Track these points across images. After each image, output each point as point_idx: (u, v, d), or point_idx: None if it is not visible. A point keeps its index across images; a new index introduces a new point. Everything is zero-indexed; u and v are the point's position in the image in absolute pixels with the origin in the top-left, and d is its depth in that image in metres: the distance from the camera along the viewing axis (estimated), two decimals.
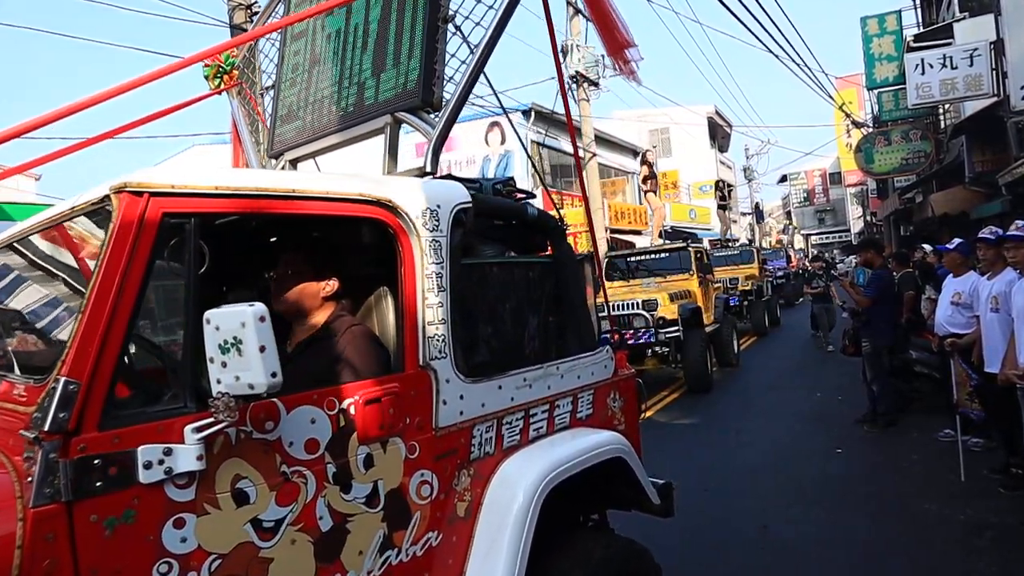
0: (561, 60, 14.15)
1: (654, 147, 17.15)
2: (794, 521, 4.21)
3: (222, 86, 3.17)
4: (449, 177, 2.26)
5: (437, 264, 1.91)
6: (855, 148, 17.65)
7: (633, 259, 10.39)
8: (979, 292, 4.75)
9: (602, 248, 12.48)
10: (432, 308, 1.88)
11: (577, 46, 14.11)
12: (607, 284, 10.00)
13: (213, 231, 1.77)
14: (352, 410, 1.67)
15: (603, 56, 14.82)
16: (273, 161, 3.04)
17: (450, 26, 2.43)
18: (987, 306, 4.48)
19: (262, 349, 1.31)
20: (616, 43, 3.02)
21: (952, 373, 4.91)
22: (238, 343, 1.31)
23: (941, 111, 15.45)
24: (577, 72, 14.15)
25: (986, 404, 4.60)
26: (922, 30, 15.75)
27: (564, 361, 2.34)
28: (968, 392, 4.74)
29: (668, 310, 8.34)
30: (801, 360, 10.83)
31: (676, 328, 8.23)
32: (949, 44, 11.86)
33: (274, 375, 1.32)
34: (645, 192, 14.15)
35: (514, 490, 1.91)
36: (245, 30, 6.14)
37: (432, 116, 2.40)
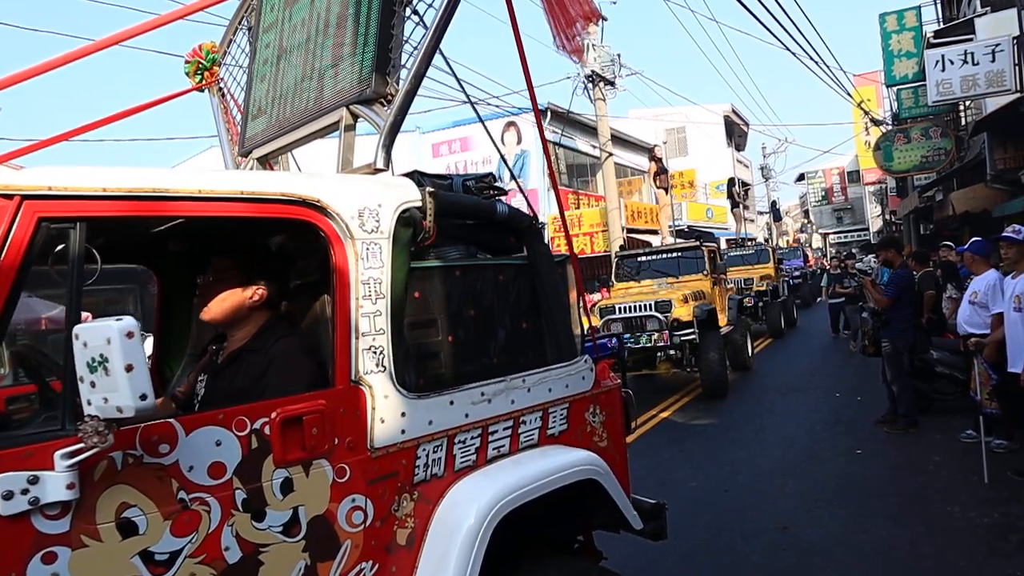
0: (576, 60, 14.16)
1: (664, 143, 17.02)
2: (815, 522, 4.17)
3: (202, 82, 3.04)
4: (415, 173, 2.12)
5: (376, 268, 1.75)
6: (874, 146, 17.42)
7: (644, 259, 10.06)
8: (1001, 291, 4.72)
9: (616, 248, 12.42)
10: (368, 317, 1.71)
11: (593, 45, 14.12)
12: (618, 285, 9.75)
13: (188, 232, 1.68)
14: (267, 431, 1.52)
15: (619, 55, 14.84)
16: (242, 160, 2.89)
17: (408, 10, 2.22)
18: (1010, 305, 4.45)
19: (129, 368, 1.16)
20: (568, 16, 2.67)
21: (976, 373, 4.87)
22: (105, 361, 1.17)
23: (962, 108, 15.19)
24: (593, 71, 14.16)
25: (1004, 404, 4.57)
26: (942, 26, 15.52)
27: (532, 373, 2.14)
28: (988, 392, 4.71)
29: (683, 311, 8.05)
30: (819, 362, 10.62)
31: (692, 330, 7.93)
32: (970, 40, 11.67)
33: (143, 398, 1.18)
34: (656, 189, 13.90)
35: (461, 517, 1.74)
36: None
37: (386, 109, 2.20)
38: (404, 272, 1.82)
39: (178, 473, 1.41)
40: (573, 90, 14.48)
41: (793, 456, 5.67)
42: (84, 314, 1.50)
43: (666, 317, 7.96)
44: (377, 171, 2.05)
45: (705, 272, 9.44)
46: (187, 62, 3.03)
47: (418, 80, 2.11)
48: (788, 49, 12.10)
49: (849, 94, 18.60)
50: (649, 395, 8.76)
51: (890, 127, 18.84)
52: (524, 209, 2.32)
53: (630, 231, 17.28)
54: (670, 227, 14.94)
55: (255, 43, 2.94)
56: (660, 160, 13.56)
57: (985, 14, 12.11)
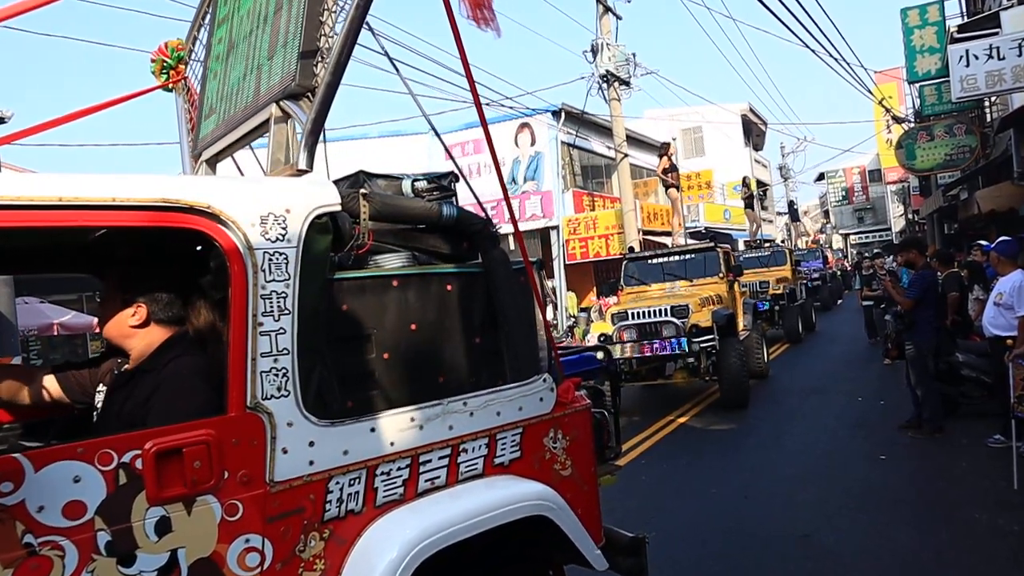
0: (591, 60, 14.07)
1: (673, 139, 16.80)
2: (838, 530, 4.08)
3: (168, 81, 2.88)
4: (359, 174, 1.96)
5: (280, 281, 1.57)
6: (896, 144, 17.10)
7: (656, 261, 9.55)
8: None
9: (626, 250, 12.24)
10: (269, 336, 1.54)
11: (607, 45, 14.04)
12: (628, 289, 9.33)
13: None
14: (138, 464, 1.35)
15: (634, 55, 14.75)
16: (195, 162, 2.73)
17: None
18: None
19: None
20: None
21: (1010, 376, 4.75)
22: None
23: (987, 104, 14.88)
24: (608, 71, 14.08)
25: None
26: (966, 20, 15.20)
27: (476, 395, 1.92)
28: (1019, 395, 4.58)
29: (701, 316, 7.64)
30: (840, 366, 10.33)
31: (711, 337, 7.50)
32: (996, 34, 11.40)
33: None
34: (667, 188, 13.60)
35: (374, 561, 1.55)
36: None
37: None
38: (319, 284, 1.63)
39: (24, 514, 1.25)
40: (587, 90, 14.42)
41: (814, 462, 5.56)
42: None
43: (683, 323, 7.55)
44: (300, 173, 1.85)
45: (721, 274, 9.02)
46: (152, 60, 2.90)
47: (338, 71, 1.86)
48: (807, 46, 11.89)
49: (870, 91, 18.29)
50: (663, 402, 8.63)
51: (913, 124, 18.50)
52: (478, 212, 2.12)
53: (646, 233, 17.12)
54: (686, 228, 14.76)
55: (210, 38, 2.80)
56: (672, 156, 13.28)
57: (1011, 7, 11.82)
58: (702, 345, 7.49)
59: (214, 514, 1.45)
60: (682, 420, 7.57)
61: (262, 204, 1.60)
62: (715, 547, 4.02)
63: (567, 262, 17.69)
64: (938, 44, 14.98)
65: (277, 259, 1.58)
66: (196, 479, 1.42)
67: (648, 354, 7.61)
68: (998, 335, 4.99)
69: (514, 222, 2.26)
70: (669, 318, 7.62)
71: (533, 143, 18.13)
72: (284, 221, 1.61)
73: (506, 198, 2.20)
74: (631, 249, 11.64)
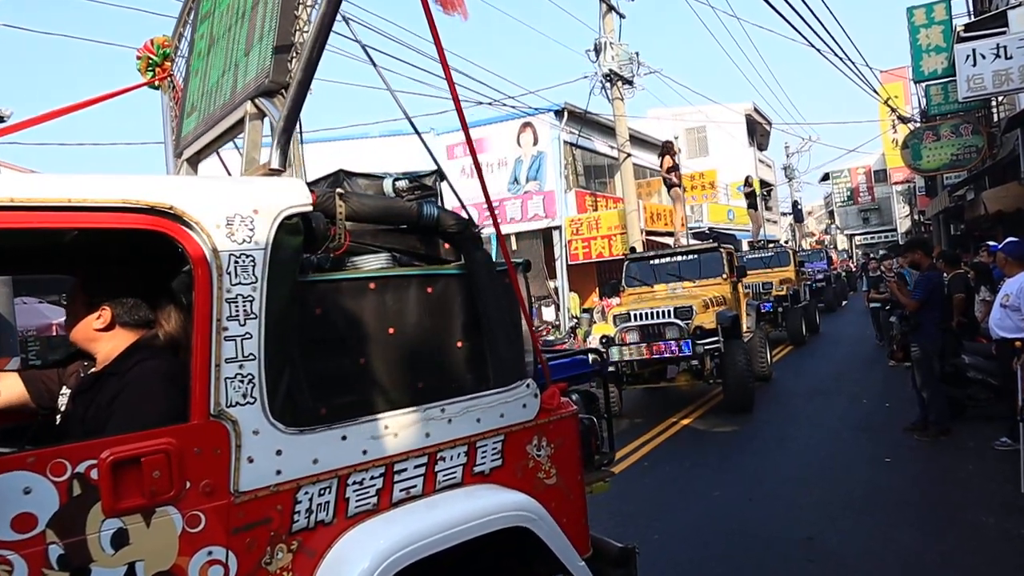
0: (594, 59, 14.01)
1: (676, 137, 16.70)
2: (841, 533, 4.05)
3: (154, 78, 2.84)
4: (339, 172, 1.91)
5: (247, 285, 1.52)
6: (901, 144, 17.00)
7: (658, 261, 9.39)
8: None
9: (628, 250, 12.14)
10: (234, 341, 1.49)
11: (610, 44, 14.00)
12: (629, 290, 9.22)
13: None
14: (93, 475, 1.30)
15: (637, 54, 14.69)
16: (177, 161, 2.68)
17: None
18: None
19: None
20: None
21: (1018, 379, 4.69)
22: None
23: (994, 104, 14.77)
24: (611, 70, 14.03)
25: None
26: (973, 19, 15.10)
27: (454, 402, 1.86)
28: None
29: (705, 318, 7.50)
30: (844, 368, 10.27)
31: (716, 339, 7.35)
32: (1003, 32, 11.32)
33: None
34: (669, 188, 13.48)
35: (344, 573, 1.51)
36: None
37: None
38: (289, 288, 1.58)
39: None
40: (590, 90, 14.38)
41: (818, 464, 5.53)
42: None
43: (687, 324, 7.40)
44: (273, 172, 1.80)
45: (724, 275, 8.91)
46: (138, 57, 2.86)
47: (310, 67, 1.79)
48: (812, 45, 11.84)
49: (875, 91, 18.20)
50: (666, 404, 8.57)
51: (919, 124, 18.40)
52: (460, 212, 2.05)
53: (649, 233, 17.06)
54: (688, 229, 14.68)
55: (193, 35, 2.75)
56: (675, 155, 13.18)
57: (1019, 5, 11.74)
58: (706, 347, 7.35)
59: (175, 526, 1.40)
60: (685, 422, 7.52)
61: (228, 205, 1.55)
62: (718, 549, 3.99)
63: (570, 263, 17.63)
64: (944, 43, 14.88)
65: (243, 261, 1.54)
66: (155, 489, 1.38)
67: (653, 356, 7.47)
68: (1005, 337, 4.96)
69: (495, 224, 2.20)
70: (673, 319, 7.48)
71: (536, 143, 18.08)
72: (251, 222, 1.56)
73: (486, 198, 2.14)
74: (632, 249, 11.52)
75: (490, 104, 13.78)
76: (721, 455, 6.06)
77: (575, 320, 16.64)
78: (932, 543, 3.79)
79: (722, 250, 9.24)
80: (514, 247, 17.94)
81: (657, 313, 7.58)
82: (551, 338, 15.09)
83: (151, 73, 2.85)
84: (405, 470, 1.76)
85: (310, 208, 1.67)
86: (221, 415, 1.48)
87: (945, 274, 6.69)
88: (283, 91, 1.87)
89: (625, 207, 15.43)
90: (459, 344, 1.97)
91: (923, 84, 16.29)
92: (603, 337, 7.65)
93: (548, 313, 17.70)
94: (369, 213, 1.84)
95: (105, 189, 1.42)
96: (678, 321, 7.44)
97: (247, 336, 1.52)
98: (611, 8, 14.29)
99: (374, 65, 2.34)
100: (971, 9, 16.82)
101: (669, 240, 16.49)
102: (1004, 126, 13.76)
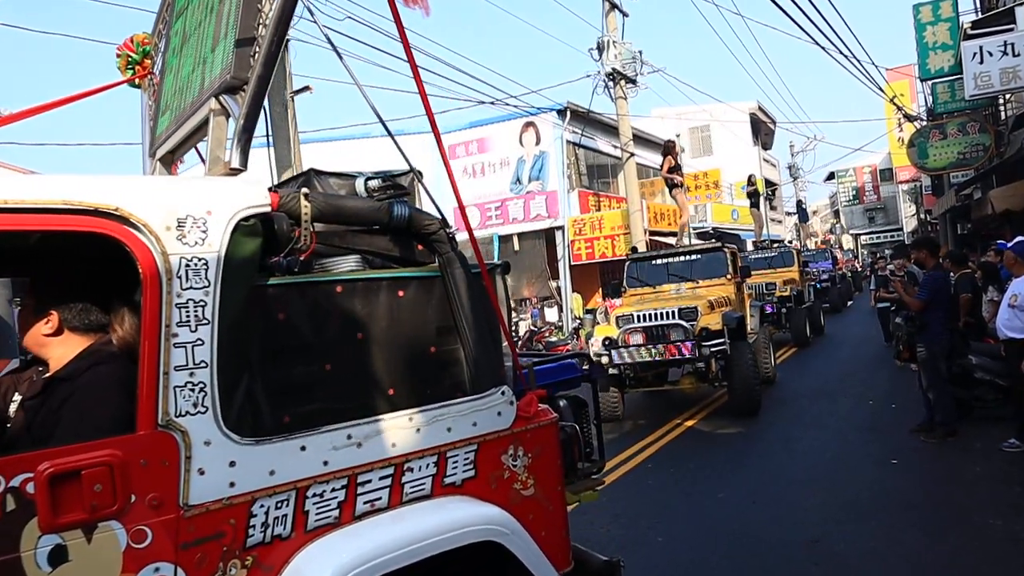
0: (597, 58, 13.95)
1: (678, 135, 16.60)
2: (846, 535, 4.01)
3: (134, 76, 2.80)
4: (310, 171, 1.85)
5: (199, 289, 1.45)
6: (908, 143, 16.89)
7: (660, 262, 9.22)
8: None
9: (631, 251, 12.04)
10: (184, 348, 1.42)
11: (613, 42, 13.94)
12: (631, 291, 9.05)
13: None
14: (29, 489, 1.24)
15: (640, 52, 14.63)
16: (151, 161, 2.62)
17: None
18: None
19: None
20: None
21: None
22: None
23: (1001, 101, 14.66)
24: (614, 69, 13.98)
25: None
26: (980, 16, 14.98)
27: (421, 410, 1.78)
28: None
29: (710, 319, 7.32)
30: (850, 369, 10.16)
31: (721, 341, 7.18)
32: (1011, 30, 11.23)
33: None
34: (671, 188, 13.35)
35: None
36: None
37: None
38: (246, 292, 1.51)
39: None
40: (593, 89, 14.32)
41: (824, 466, 5.48)
42: None
43: (692, 326, 7.23)
44: (234, 172, 1.73)
45: (728, 276, 8.75)
46: (118, 55, 2.81)
47: (270, 61, 1.72)
48: (817, 43, 11.75)
49: (881, 89, 18.09)
50: (670, 405, 8.49)
51: (925, 123, 18.29)
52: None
53: (653, 233, 16.99)
54: (692, 229, 14.60)
55: (168, 31, 2.69)
56: (677, 155, 13.04)
57: None
58: (712, 349, 7.18)
59: (118, 541, 1.34)
60: (689, 424, 7.45)
61: (179, 206, 1.48)
62: (721, 550, 3.96)
63: (572, 263, 17.57)
64: (951, 41, 14.76)
65: (195, 265, 1.46)
66: (97, 504, 1.31)
67: (656, 359, 7.31)
68: (1012, 337, 4.91)
69: (467, 226, 2.14)
70: (677, 320, 7.31)
71: (538, 142, 18.02)
72: (205, 224, 1.49)
73: (458, 199, 2.08)
74: (634, 249, 11.41)
75: (492, 103, 13.75)
76: (725, 457, 6.00)
77: (578, 321, 16.58)
78: (938, 545, 3.75)
79: (726, 250, 9.09)
80: (517, 247, 17.89)
81: (661, 314, 7.41)
82: (554, 339, 15.02)
83: (131, 71, 2.80)
84: (369, 481, 1.68)
85: (269, 209, 1.60)
86: (170, 425, 1.41)
87: (952, 273, 6.62)
88: (244, 87, 1.80)
89: (628, 207, 15.36)
90: (432, 349, 1.89)
91: (929, 82, 16.16)
92: (606, 339, 7.55)
93: (551, 314, 17.65)
94: (337, 213, 1.77)
95: (45, 190, 1.35)
96: (683, 322, 7.29)
97: (198, 342, 1.45)
98: (614, 6, 14.24)
99: (340, 58, 2.28)
100: (978, 6, 16.70)
101: (672, 240, 16.43)
102: (1012, 124, 13.65)
